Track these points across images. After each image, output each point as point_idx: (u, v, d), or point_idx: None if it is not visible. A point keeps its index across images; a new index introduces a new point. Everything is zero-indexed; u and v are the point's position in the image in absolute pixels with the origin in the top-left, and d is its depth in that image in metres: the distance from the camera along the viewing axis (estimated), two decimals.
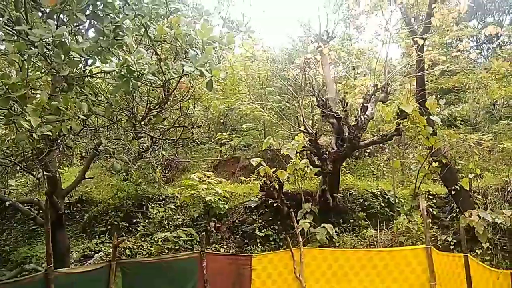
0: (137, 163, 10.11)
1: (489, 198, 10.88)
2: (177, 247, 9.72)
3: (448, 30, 13.43)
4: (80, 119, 5.69)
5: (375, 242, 10.02)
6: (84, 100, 5.62)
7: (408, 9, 11.91)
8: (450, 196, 10.89)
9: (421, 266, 8.08)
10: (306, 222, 9.52)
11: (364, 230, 10.39)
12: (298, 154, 10.20)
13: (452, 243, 9.79)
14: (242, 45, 11.12)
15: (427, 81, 16.82)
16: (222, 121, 16.89)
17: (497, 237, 9.41)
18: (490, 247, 9.27)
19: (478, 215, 8.87)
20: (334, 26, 13.91)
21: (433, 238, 9.86)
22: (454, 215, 10.65)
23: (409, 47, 13.40)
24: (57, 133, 6.38)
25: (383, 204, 11.31)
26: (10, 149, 7.66)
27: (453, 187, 10.34)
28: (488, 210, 9.85)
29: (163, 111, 7.37)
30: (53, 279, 6.10)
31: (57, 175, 8.16)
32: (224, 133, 15.76)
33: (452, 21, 12.49)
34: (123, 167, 9.05)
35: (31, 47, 4.75)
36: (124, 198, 11.69)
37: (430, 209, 10.77)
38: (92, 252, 9.81)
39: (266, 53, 13.17)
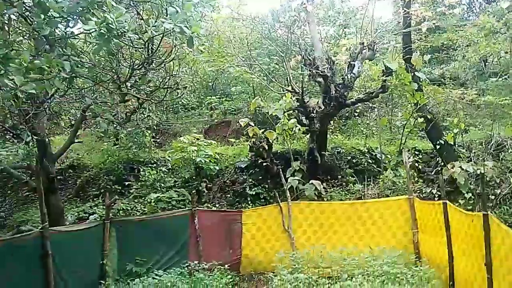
0: (126, 127, 10.20)
1: (473, 151, 11.15)
2: (170, 207, 9.98)
3: None
4: (64, 78, 5.74)
5: (362, 197, 10.34)
6: (66, 60, 5.63)
7: None
8: (435, 151, 11.14)
9: (404, 216, 8.45)
10: (294, 179, 9.77)
11: (352, 185, 10.70)
12: (286, 115, 10.33)
13: (436, 196, 10.09)
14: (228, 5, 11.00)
15: (417, 39, 16.75)
16: (211, 84, 16.85)
17: (479, 187, 9.73)
18: (472, 197, 9.60)
19: (460, 167, 9.16)
20: None
21: (418, 192, 10.19)
22: (439, 169, 10.93)
23: (398, 4, 13.28)
24: (42, 94, 6.46)
25: (370, 161, 11.59)
26: None
27: (438, 142, 10.57)
28: (471, 162, 10.12)
29: (147, 72, 7.40)
30: (49, 236, 6.32)
31: (46, 140, 8.26)
32: (214, 97, 15.79)
33: None
34: (112, 130, 9.16)
35: (11, 8, 4.77)
36: (115, 162, 11.86)
37: (416, 164, 11.04)
38: (87, 215, 10.05)
39: (253, 14, 13.01)
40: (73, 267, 6.85)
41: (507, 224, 8.45)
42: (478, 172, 9.44)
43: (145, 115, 9.87)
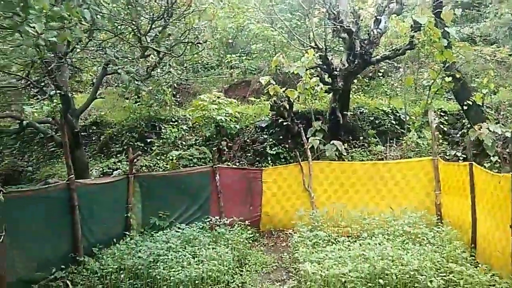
0: (147, 84, 10.16)
1: (501, 113, 10.75)
2: (191, 164, 10.08)
3: None
4: (85, 29, 5.65)
5: (384, 158, 10.19)
6: (86, 9, 5.50)
7: None
8: (462, 112, 10.78)
9: (427, 177, 8.31)
10: (315, 139, 9.65)
11: (374, 147, 10.53)
12: (308, 73, 10.07)
13: (461, 158, 9.86)
14: None
15: None
16: (231, 42, 16.51)
17: (506, 150, 9.43)
18: (499, 160, 9.33)
19: (487, 128, 8.85)
20: None
21: (442, 154, 9.97)
22: (465, 131, 10.61)
23: None
24: (64, 46, 6.41)
25: (393, 122, 11.33)
26: (22, 71, 7.75)
27: (465, 103, 10.18)
28: (499, 124, 9.76)
29: (167, 25, 7.24)
30: (75, 188, 6.46)
31: (70, 94, 8.31)
32: (234, 55, 15.50)
33: None
34: (133, 86, 9.14)
35: None
36: (137, 119, 11.95)
37: (441, 126, 10.75)
38: (111, 170, 10.28)
39: None
40: (99, 218, 7.05)
41: None
42: (507, 134, 9.12)
43: (166, 71, 9.77)
